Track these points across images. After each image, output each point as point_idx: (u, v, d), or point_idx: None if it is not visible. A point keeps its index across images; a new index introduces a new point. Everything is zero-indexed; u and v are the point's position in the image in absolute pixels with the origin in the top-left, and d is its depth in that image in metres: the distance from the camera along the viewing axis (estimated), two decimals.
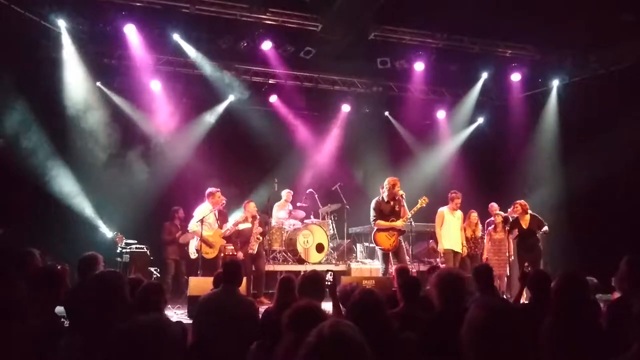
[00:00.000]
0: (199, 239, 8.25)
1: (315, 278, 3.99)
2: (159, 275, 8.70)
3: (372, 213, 8.39)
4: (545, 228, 8.59)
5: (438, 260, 9.73)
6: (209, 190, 8.45)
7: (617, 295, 5.63)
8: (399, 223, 8.20)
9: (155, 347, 1.75)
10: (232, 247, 8.70)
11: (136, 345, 1.74)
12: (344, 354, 1.58)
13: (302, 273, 7.76)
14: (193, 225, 8.30)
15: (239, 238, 8.66)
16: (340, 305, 4.02)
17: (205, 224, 8.23)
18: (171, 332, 1.85)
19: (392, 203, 8.32)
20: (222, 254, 8.48)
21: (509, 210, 9.18)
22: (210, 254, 8.25)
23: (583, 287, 3.43)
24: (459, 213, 9.18)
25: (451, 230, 9.04)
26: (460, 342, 2.09)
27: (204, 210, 8.34)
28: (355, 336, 1.64)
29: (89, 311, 2.32)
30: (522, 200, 8.83)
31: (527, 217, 8.67)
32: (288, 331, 2.44)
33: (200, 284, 6.93)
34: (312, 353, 1.59)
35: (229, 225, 8.65)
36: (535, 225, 8.62)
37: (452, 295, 3.13)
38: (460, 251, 9.02)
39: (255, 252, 8.65)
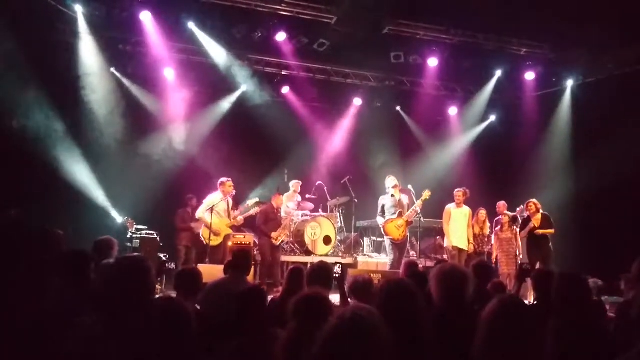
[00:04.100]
0: (204, 226, 8.42)
1: (324, 269, 4.02)
2: (167, 261, 8.78)
3: (379, 208, 8.90)
4: (551, 231, 8.62)
5: (445, 256, 9.76)
6: (221, 180, 8.56)
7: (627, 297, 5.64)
8: (404, 218, 8.54)
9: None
10: (242, 236, 8.83)
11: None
12: (362, 338, 1.61)
13: (309, 264, 7.86)
14: (200, 212, 8.47)
15: (267, 224, 8.88)
16: (348, 297, 4.05)
17: (214, 212, 8.34)
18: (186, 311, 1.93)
19: (396, 197, 8.66)
20: (229, 243, 8.59)
21: (518, 209, 9.19)
22: (213, 241, 8.39)
23: (583, 287, 3.43)
24: (467, 210, 9.19)
25: (458, 227, 9.08)
26: (464, 337, 2.10)
27: (214, 199, 8.42)
28: (376, 322, 1.68)
29: (116, 292, 2.37)
30: (535, 199, 8.85)
31: (539, 216, 8.71)
32: (293, 319, 2.47)
33: (208, 271, 6.96)
34: (331, 334, 1.64)
35: (240, 216, 8.74)
36: (546, 225, 8.64)
37: (453, 292, 3.10)
38: (466, 248, 9.04)
39: (278, 244, 8.95)
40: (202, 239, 8.48)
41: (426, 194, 8.69)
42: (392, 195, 8.75)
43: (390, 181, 8.82)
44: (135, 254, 4.03)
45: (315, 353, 1.71)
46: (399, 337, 2.14)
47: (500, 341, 2.03)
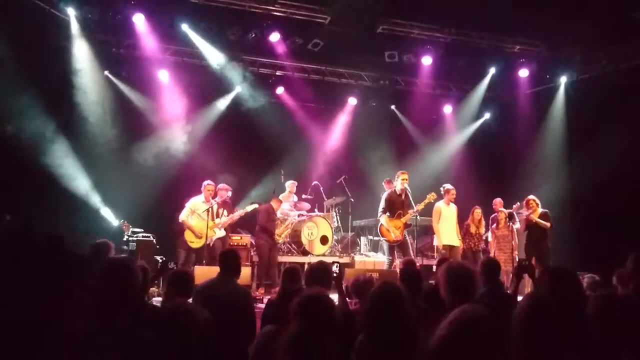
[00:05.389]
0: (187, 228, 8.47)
1: (323, 268, 4.02)
2: (168, 261, 8.77)
3: (382, 204, 8.63)
4: (546, 224, 8.65)
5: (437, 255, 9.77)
6: (203, 183, 8.61)
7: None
8: (402, 220, 8.44)
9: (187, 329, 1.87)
10: (238, 237, 8.86)
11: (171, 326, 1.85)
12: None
13: (306, 264, 7.89)
14: (182, 216, 8.50)
15: (269, 223, 8.92)
16: (347, 297, 4.06)
17: (195, 214, 8.45)
18: (201, 316, 1.95)
19: (402, 196, 8.48)
20: (229, 244, 8.69)
21: (514, 206, 9.20)
22: (195, 243, 8.44)
23: (573, 281, 3.43)
24: (454, 206, 9.16)
25: (448, 225, 9.04)
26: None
27: (196, 202, 8.49)
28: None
29: (104, 294, 2.36)
30: (534, 196, 8.90)
31: (539, 211, 8.75)
32: (296, 318, 2.46)
33: (205, 273, 6.98)
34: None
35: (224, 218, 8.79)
36: (545, 221, 8.69)
37: (460, 289, 3.12)
38: (458, 244, 9.00)
39: (280, 241, 9.14)
40: (186, 241, 8.49)
41: (431, 197, 8.63)
42: (399, 195, 8.59)
43: (402, 181, 8.55)
44: (123, 255, 4.06)
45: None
46: (387, 338, 2.16)
47: (539, 338, 2.03)
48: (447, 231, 9.01)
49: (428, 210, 9.38)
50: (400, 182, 8.54)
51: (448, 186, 9.16)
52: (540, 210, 8.80)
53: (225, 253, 4.69)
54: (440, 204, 9.09)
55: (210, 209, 8.37)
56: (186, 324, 2.04)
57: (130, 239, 8.54)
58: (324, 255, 9.75)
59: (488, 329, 1.71)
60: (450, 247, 8.96)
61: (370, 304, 2.57)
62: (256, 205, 8.91)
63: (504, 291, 4.47)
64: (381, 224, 8.60)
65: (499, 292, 4.01)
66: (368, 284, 3.74)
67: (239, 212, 8.85)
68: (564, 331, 2.04)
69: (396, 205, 8.54)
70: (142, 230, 8.76)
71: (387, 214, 8.56)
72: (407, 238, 8.61)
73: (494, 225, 9.25)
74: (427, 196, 8.64)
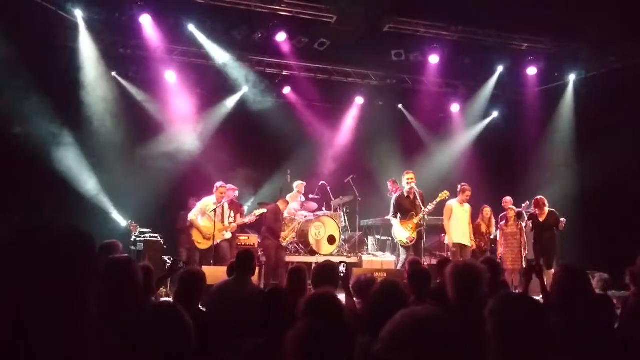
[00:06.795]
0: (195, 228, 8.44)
1: (330, 268, 4.02)
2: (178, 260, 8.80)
3: (391, 209, 8.59)
4: (562, 222, 8.56)
5: (449, 253, 9.71)
6: (215, 184, 8.59)
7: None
8: (415, 220, 8.38)
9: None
10: (246, 237, 8.87)
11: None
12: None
13: (314, 264, 7.88)
14: (191, 215, 8.50)
15: (277, 223, 8.93)
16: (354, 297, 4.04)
17: (206, 215, 8.43)
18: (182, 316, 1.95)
19: (411, 197, 8.43)
20: (237, 244, 8.73)
21: (523, 205, 9.15)
22: (202, 244, 8.42)
23: (583, 280, 3.39)
24: (468, 206, 9.08)
25: (460, 224, 8.96)
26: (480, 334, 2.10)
27: (208, 203, 8.48)
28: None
29: (103, 293, 2.37)
30: (541, 196, 8.83)
31: (546, 210, 8.68)
32: (305, 317, 2.46)
33: (212, 273, 6.98)
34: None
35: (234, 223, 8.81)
36: (553, 220, 8.62)
37: (467, 289, 3.10)
38: (469, 244, 8.93)
39: (284, 243, 9.12)
40: (192, 240, 8.49)
41: (443, 195, 8.53)
42: (407, 197, 8.52)
43: (409, 181, 8.47)
44: (125, 254, 4.09)
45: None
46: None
47: (504, 338, 2.02)
48: (458, 230, 8.92)
49: (437, 210, 9.35)
50: (406, 183, 8.49)
51: (465, 186, 9.06)
52: (547, 209, 8.73)
53: (241, 253, 4.71)
54: (452, 202, 9.00)
55: (219, 209, 8.36)
56: (165, 325, 2.05)
57: (138, 239, 8.56)
58: (331, 255, 9.73)
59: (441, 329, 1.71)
60: (462, 247, 8.88)
61: (371, 302, 2.56)
62: (264, 210, 8.91)
63: (507, 291, 4.44)
64: (394, 226, 8.57)
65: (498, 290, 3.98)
66: (369, 284, 3.73)
67: (249, 218, 8.85)
68: (536, 331, 2.03)
69: (406, 207, 8.46)
70: (150, 230, 8.79)
71: (399, 216, 8.53)
72: (423, 237, 8.56)
73: (503, 222, 9.19)
74: (440, 194, 8.56)
